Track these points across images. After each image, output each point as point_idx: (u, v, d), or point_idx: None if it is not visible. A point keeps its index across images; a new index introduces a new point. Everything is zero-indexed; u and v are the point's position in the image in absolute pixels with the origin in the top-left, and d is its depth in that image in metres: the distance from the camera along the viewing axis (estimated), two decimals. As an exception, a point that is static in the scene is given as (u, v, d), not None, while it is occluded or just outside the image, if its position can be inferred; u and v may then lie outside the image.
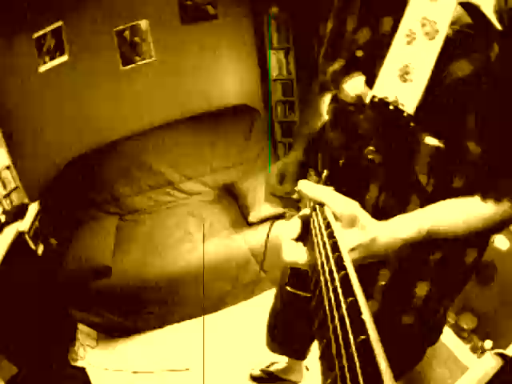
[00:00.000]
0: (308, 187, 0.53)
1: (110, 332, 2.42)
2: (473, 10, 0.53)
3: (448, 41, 0.55)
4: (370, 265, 0.56)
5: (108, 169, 2.93)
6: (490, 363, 1.15)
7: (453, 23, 0.54)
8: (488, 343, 1.52)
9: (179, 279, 2.34)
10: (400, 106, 0.56)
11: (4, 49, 2.60)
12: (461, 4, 0.54)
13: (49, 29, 2.67)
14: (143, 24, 2.93)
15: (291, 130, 3.58)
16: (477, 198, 0.61)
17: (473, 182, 0.63)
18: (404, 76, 0.56)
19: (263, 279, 2.48)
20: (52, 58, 2.76)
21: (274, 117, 3.61)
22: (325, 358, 0.28)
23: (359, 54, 0.68)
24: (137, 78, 3.09)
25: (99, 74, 2.96)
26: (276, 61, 3.33)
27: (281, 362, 1.92)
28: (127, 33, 2.91)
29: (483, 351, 1.50)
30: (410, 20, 0.56)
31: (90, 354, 2.31)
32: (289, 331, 1.43)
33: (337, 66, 0.73)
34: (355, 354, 0.24)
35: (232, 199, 2.90)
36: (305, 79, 3.33)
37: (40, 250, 2.48)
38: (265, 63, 3.39)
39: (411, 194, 0.67)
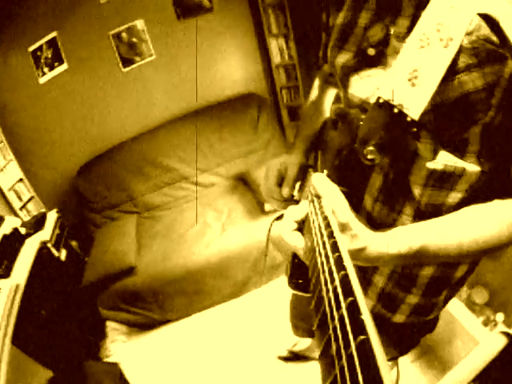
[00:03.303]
0: (320, 182, 0.55)
1: (140, 326, 2.50)
2: (491, 23, 0.52)
3: (462, 50, 0.53)
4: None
5: (121, 169, 2.99)
6: (495, 342, 1.15)
7: (469, 33, 0.53)
8: (500, 316, 1.52)
9: (201, 270, 2.40)
10: (404, 110, 0.55)
11: (2, 66, 2.63)
12: (480, 15, 0.52)
13: (43, 40, 2.66)
14: (139, 24, 2.93)
15: (298, 114, 3.59)
16: (496, 202, 0.58)
17: (469, 198, 0.63)
18: (412, 80, 0.54)
19: (282, 263, 2.51)
20: (51, 69, 2.78)
21: (280, 102, 3.61)
22: (324, 357, 0.29)
23: (371, 52, 0.66)
24: (139, 77, 3.11)
25: (101, 78, 2.99)
26: (277, 47, 3.30)
27: (304, 341, 1.97)
28: (124, 34, 2.92)
29: (495, 324, 1.50)
30: (425, 24, 0.54)
31: (121, 349, 2.41)
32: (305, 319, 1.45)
33: (344, 59, 0.72)
34: (355, 354, 0.24)
35: (247, 187, 2.93)
36: (306, 63, 3.32)
37: (63, 255, 2.54)
38: (266, 51, 3.36)
39: (404, 203, 0.67)
